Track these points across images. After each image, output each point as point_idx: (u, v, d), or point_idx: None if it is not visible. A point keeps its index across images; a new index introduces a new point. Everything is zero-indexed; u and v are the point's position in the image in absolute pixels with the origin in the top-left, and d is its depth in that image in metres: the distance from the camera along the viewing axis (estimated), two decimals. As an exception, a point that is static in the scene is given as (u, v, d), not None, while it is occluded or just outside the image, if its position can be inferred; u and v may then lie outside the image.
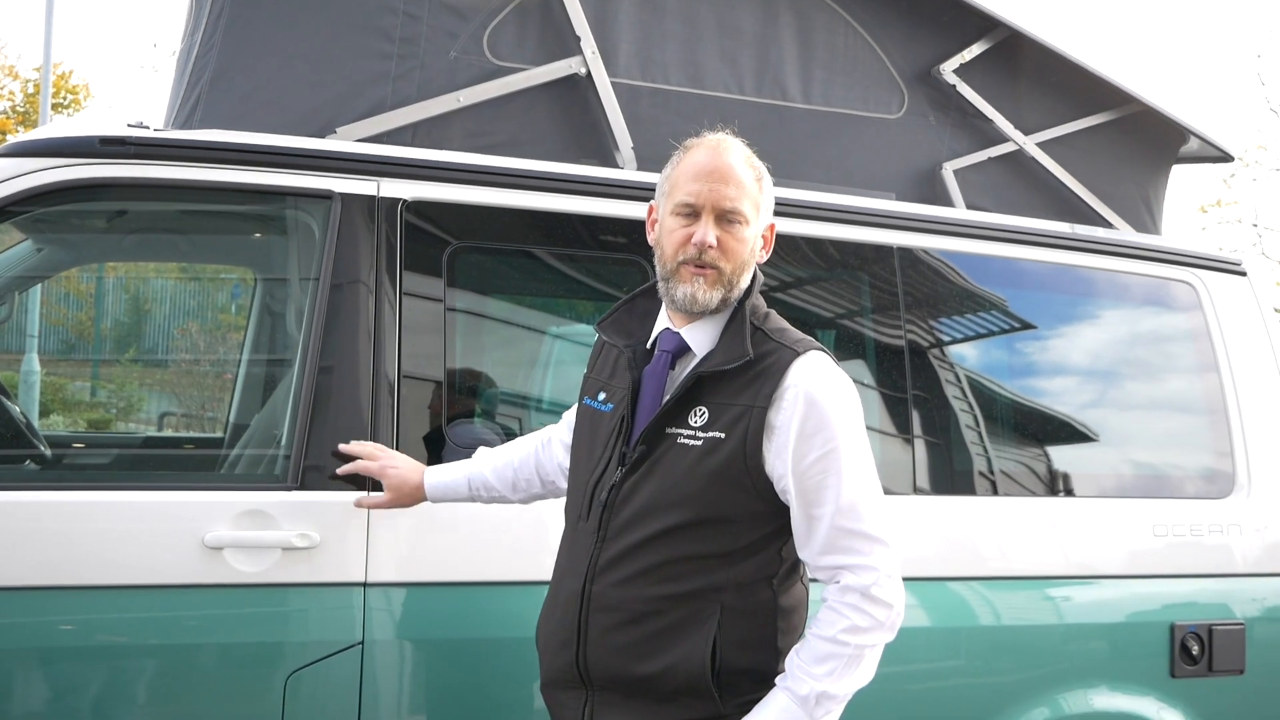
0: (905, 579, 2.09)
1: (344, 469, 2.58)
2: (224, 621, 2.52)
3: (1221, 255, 3.63)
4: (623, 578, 2.10)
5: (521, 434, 2.99)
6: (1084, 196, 3.76)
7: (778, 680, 2.07)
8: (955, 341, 3.33)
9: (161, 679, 2.49)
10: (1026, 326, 3.43)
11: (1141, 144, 3.88)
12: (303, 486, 2.59)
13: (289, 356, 2.86)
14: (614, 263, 3.03)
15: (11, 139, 2.71)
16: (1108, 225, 3.76)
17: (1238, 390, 3.46)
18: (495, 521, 2.67)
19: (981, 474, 3.20)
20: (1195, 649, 3.20)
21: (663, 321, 2.25)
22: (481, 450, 2.62)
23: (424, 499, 2.57)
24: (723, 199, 2.13)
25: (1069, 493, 3.32)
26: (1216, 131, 3.87)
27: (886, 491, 2.20)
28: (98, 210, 2.96)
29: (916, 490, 3.08)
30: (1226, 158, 3.95)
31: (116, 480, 2.87)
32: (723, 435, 2.07)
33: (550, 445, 2.55)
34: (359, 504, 2.57)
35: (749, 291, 2.20)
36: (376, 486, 2.60)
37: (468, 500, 2.58)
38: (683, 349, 2.20)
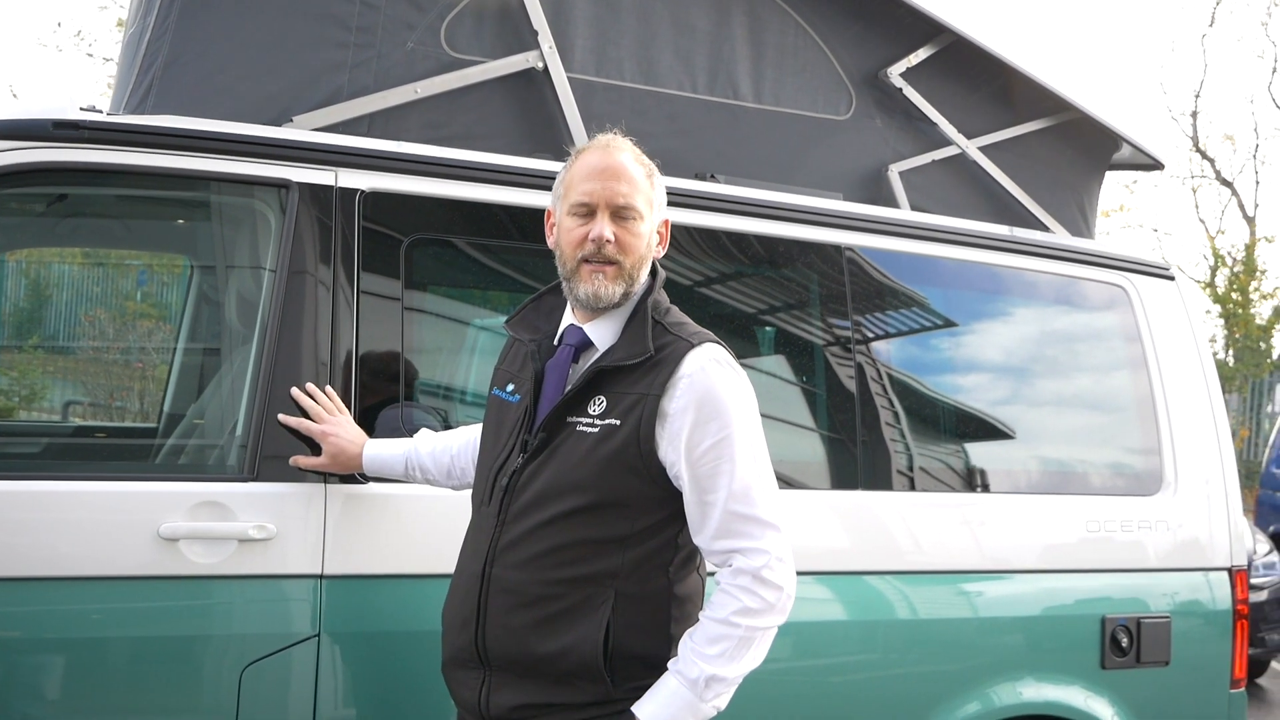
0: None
1: (288, 421, 2.59)
2: (178, 613, 2.49)
3: (1152, 260, 3.74)
4: (520, 560, 2.17)
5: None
6: (1022, 200, 3.85)
7: (670, 664, 2.13)
8: (895, 337, 3.39)
9: (116, 671, 2.46)
10: (963, 326, 3.50)
11: (1077, 150, 3.98)
12: (259, 478, 2.57)
13: (245, 347, 2.82)
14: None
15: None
16: (1044, 228, 3.86)
17: (1166, 390, 3.57)
18: (451, 514, 2.66)
19: (900, 472, 3.26)
20: (1125, 641, 3.31)
21: (568, 318, 2.32)
22: (424, 432, 2.65)
23: (360, 469, 2.60)
24: (616, 195, 2.21)
25: (1003, 489, 3.40)
26: (1148, 139, 3.99)
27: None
28: (45, 195, 2.89)
29: (863, 486, 3.14)
30: (1157, 165, 4.07)
31: (67, 470, 2.80)
32: (618, 422, 2.14)
33: None
34: (293, 463, 2.59)
35: (650, 288, 2.28)
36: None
37: (403, 479, 2.61)
38: (585, 344, 2.27)
